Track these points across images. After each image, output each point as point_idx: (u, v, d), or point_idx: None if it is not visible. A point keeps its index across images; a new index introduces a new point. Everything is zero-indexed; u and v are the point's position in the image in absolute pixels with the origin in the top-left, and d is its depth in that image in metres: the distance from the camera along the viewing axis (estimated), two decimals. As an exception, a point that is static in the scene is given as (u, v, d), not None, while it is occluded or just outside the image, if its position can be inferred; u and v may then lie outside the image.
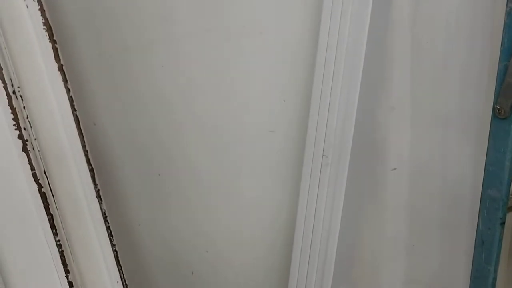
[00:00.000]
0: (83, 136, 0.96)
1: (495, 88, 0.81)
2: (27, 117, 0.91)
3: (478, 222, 0.85)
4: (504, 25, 0.78)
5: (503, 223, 0.80)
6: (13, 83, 0.89)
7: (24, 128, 0.90)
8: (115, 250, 1.11)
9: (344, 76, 0.89)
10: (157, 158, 1.14)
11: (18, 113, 0.89)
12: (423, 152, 0.99)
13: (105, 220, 1.01)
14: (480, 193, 0.85)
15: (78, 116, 0.95)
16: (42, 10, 0.89)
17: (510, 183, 0.80)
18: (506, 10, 0.77)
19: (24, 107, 0.91)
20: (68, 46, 1.04)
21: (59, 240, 0.99)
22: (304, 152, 0.98)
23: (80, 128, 0.95)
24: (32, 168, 0.92)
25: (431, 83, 0.94)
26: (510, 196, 0.81)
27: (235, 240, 1.15)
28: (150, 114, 1.09)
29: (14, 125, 0.89)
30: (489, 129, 0.83)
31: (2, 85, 0.87)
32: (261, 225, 1.12)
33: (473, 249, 0.86)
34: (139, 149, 1.14)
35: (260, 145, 1.05)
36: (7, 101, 0.88)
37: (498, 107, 0.79)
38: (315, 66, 0.93)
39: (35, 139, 0.93)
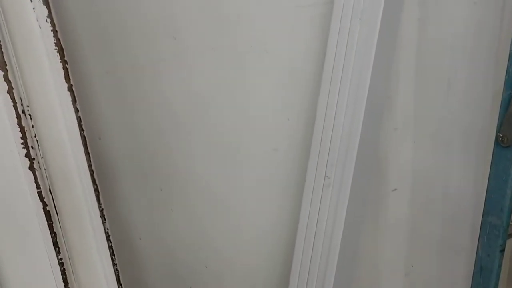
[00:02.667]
0: (89, 155, 0.97)
1: (499, 116, 0.82)
2: (35, 136, 0.92)
3: (477, 248, 0.86)
4: (509, 54, 0.80)
5: (502, 250, 0.82)
6: (22, 103, 0.90)
7: (32, 147, 0.91)
8: (116, 269, 1.11)
9: (349, 96, 0.91)
10: (160, 172, 1.15)
11: (26, 132, 0.89)
12: (424, 174, 1.00)
13: (108, 239, 1.02)
14: (481, 218, 0.86)
15: (86, 136, 0.96)
16: (54, 30, 0.90)
17: (511, 210, 0.81)
18: (512, 39, 0.79)
19: (32, 126, 0.91)
20: (78, 66, 1.05)
21: (61, 258, 0.99)
22: (306, 171, 0.99)
23: (87, 147, 0.96)
24: (38, 187, 0.92)
25: (435, 106, 0.96)
26: (510, 223, 0.83)
27: (235, 255, 1.15)
28: (156, 129, 1.11)
29: (22, 143, 0.89)
30: (491, 155, 0.85)
31: (12, 104, 0.87)
32: (262, 240, 1.12)
33: (472, 274, 0.88)
34: (142, 163, 1.15)
35: (262, 162, 1.06)
36: (16, 120, 0.88)
37: (501, 135, 0.81)
38: (321, 85, 0.94)
39: (42, 157, 0.93)
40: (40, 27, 0.89)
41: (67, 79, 0.92)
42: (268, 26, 0.96)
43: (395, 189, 1.02)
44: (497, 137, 0.82)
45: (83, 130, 0.95)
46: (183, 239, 1.19)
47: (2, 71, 0.86)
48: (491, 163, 0.84)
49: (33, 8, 0.89)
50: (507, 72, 0.81)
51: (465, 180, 0.97)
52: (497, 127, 0.82)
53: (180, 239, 1.20)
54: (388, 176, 1.02)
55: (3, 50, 0.85)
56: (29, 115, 0.91)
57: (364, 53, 0.88)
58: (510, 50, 0.80)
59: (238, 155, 1.07)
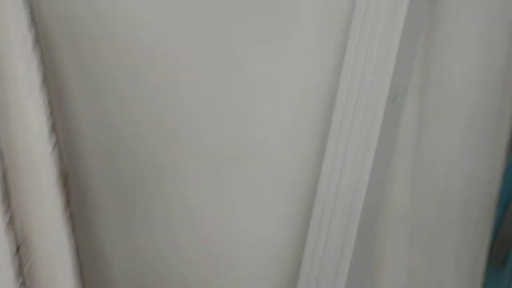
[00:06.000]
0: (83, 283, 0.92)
1: (491, 238, 0.83)
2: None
3: None
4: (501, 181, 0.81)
5: None
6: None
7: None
8: None
9: (343, 212, 0.92)
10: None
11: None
12: (418, 279, 0.99)
13: None
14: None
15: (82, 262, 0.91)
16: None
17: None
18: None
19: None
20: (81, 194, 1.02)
21: None
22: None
23: (83, 274, 0.91)
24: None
25: (430, 213, 0.96)
26: None
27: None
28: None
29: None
30: (484, 275, 0.85)
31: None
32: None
33: None
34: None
35: (256, 254, 1.07)
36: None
37: (493, 257, 0.81)
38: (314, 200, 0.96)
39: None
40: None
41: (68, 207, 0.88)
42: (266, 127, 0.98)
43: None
44: (489, 258, 0.82)
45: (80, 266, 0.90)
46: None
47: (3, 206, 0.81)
48: (484, 284, 0.84)
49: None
50: (500, 196, 0.82)
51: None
52: (489, 248, 0.83)
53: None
54: (380, 280, 1.02)
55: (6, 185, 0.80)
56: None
57: (360, 166, 0.90)
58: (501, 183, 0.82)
59: (231, 246, 1.08)
